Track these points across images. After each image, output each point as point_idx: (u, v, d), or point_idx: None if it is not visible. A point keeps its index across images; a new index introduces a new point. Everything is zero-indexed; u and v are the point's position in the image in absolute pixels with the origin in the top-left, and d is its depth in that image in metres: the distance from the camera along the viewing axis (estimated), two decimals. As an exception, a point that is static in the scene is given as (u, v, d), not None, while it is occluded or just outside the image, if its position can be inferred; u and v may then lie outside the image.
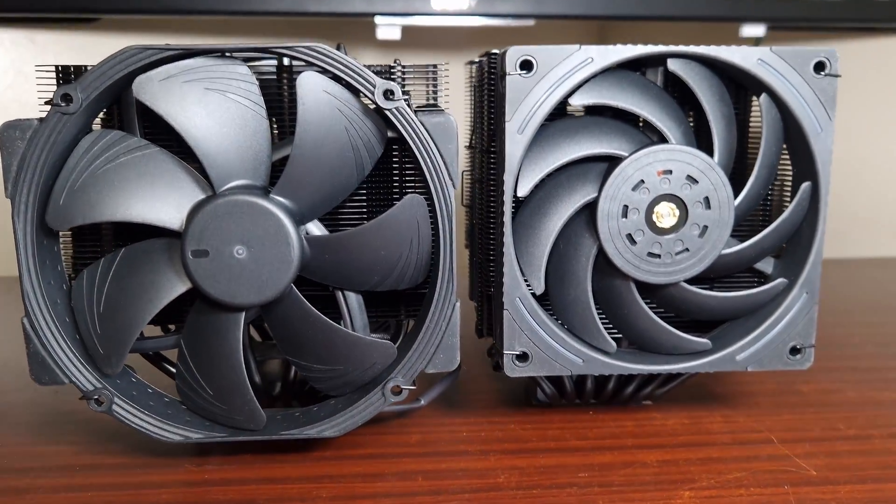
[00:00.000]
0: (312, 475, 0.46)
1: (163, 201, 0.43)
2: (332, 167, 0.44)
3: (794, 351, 0.48)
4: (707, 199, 0.45)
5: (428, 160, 0.43)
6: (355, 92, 0.43)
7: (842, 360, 0.65)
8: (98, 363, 0.45)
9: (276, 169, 0.45)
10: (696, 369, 0.48)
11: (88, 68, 0.42)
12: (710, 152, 0.45)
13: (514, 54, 0.43)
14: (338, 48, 0.44)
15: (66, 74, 0.44)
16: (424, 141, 0.43)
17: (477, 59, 0.52)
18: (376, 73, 0.45)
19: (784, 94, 0.45)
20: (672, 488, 0.44)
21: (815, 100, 0.45)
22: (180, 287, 0.44)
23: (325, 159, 0.44)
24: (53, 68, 0.44)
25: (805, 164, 0.46)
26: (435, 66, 0.47)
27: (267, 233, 0.43)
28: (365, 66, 0.45)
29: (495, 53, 0.46)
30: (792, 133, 0.46)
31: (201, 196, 0.43)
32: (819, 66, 0.44)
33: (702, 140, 0.47)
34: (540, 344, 0.46)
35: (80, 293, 0.45)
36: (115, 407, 0.45)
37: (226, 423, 0.46)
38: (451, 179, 0.43)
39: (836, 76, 0.44)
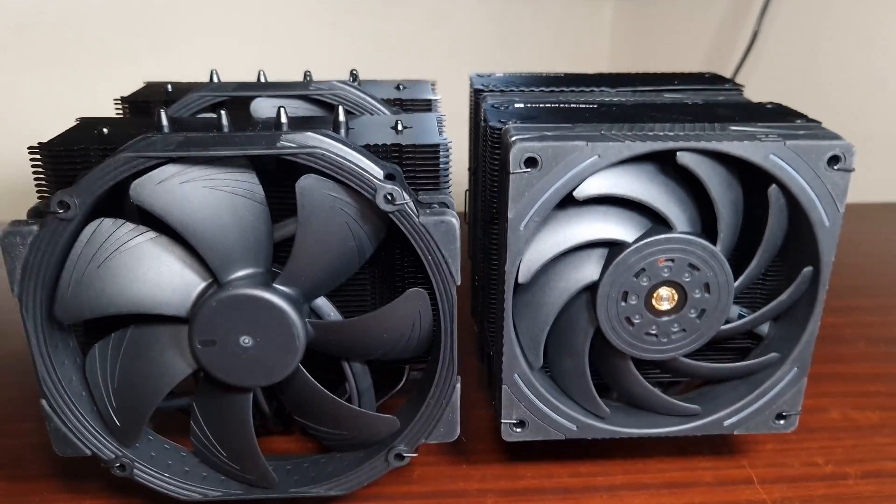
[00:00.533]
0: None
1: (170, 291, 0.44)
2: (335, 255, 0.44)
3: (780, 417, 0.50)
4: (707, 285, 0.46)
5: (430, 258, 0.43)
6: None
7: (831, 363, 0.67)
8: (117, 436, 0.47)
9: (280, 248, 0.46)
10: (685, 433, 0.50)
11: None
12: (713, 235, 0.45)
13: (519, 153, 0.42)
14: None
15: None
16: (426, 241, 0.43)
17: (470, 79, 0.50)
18: (377, 151, 0.44)
19: (794, 188, 0.44)
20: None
21: (826, 193, 0.44)
22: (189, 369, 0.46)
23: (327, 250, 0.44)
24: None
25: (808, 250, 0.46)
26: (436, 146, 0.45)
27: (272, 323, 0.44)
28: (367, 145, 0.44)
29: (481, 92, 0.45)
30: (798, 220, 0.45)
31: (206, 283, 0.44)
32: (833, 160, 0.43)
33: (706, 219, 0.46)
34: (536, 413, 0.49)
35: (94, 369, 0.46)
36: (135, 472, 0.48)
37: (240, 480, 0.49)
38: (453, 276, 0.44)
39: (850, 171, 0.43)
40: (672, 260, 0.45)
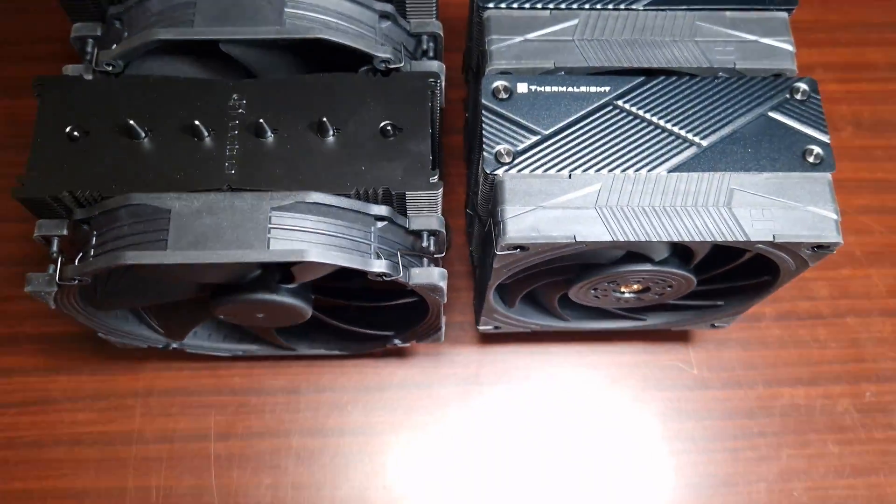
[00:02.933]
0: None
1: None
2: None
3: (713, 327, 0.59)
4: (671, 286, 0.50)
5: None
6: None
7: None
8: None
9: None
10: (634, 328, 0.60)
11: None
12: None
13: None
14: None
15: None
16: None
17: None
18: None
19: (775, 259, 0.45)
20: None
21: (803, 262, 0.45)
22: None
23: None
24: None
25: (771, 267, 0.49)
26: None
27: (282, 314, 0.50)
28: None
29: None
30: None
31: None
32: (819, 246, 0.44)
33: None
34: (508, 322, 0.58)
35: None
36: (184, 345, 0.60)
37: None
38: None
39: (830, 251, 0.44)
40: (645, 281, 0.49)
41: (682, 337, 0.65)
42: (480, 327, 0.59)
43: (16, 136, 0.69)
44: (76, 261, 0.44)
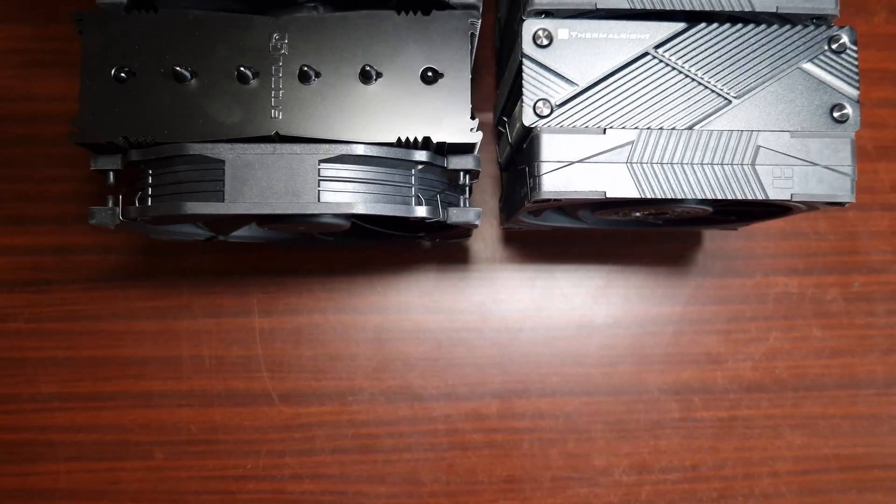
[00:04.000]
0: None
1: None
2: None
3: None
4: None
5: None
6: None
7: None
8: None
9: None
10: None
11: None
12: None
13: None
14: None
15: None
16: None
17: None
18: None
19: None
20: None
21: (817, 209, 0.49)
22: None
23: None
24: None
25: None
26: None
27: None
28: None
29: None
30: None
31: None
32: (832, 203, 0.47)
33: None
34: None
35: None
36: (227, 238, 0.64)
37: (303, 231, 0.65)
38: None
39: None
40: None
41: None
42: (504, 226, 0.63)
43: None
44: (136, 200, 0.47)
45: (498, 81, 0.63)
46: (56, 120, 0.67)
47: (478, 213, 0.49)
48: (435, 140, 0.46)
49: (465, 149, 0.48)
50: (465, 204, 0.49)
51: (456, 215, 0.48)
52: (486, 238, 0.68)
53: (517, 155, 0.53)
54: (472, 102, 0.46)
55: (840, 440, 0.68)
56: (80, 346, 0.67)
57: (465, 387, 0.67)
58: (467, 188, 0.49)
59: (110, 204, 0.48)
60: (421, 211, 0.47)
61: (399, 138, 0.46)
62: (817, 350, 0.69)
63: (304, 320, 0.68)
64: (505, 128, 0.54)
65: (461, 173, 0.49)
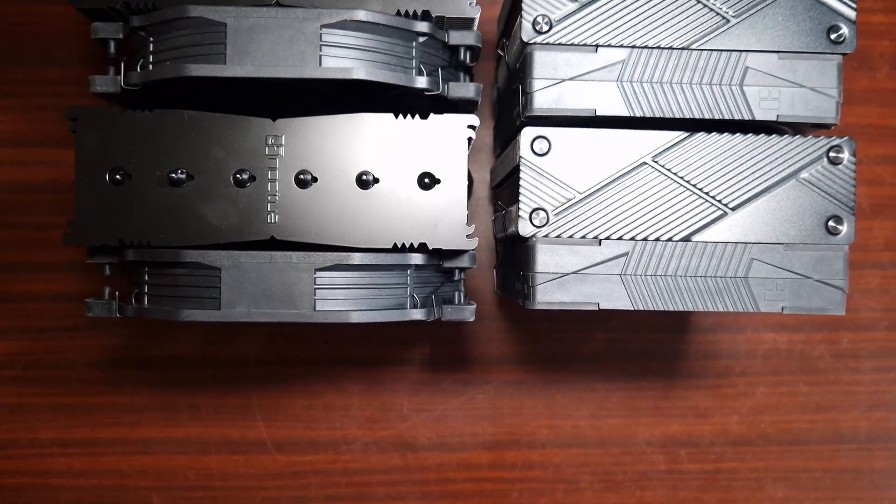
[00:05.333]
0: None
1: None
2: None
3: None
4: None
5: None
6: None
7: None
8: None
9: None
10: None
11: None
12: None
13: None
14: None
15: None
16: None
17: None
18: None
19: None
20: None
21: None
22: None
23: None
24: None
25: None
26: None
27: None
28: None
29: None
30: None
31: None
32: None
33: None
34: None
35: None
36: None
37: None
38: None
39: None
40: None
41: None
42: (497, 292, 0.64)
43: (27, 54, 0.67)
44: (133, 298, 0.47)
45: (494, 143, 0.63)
46: (50, 165, 0.67)
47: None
48: (431, 246, 0.46)
49: (460, 253, 0.48)
50: (460, 300, 0.50)
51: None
52: (482, 295, 0.69)
53: (513, 253, 0.53)
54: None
55: (821, 493, 0.70)
56: (78, 392, 0.68)
57: (456, 437, 0.69)
58: (462, 282, 0.50)
59: (107, 296, 0.48)
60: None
61: (395, 244, 0.46)
62: (803, 405, 0.70)
63: (300, 370, 0.68)
64: (501, 230, 0.54)
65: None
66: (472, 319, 0.49)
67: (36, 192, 0.67)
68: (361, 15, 0.44)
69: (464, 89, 0.48)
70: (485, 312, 0.68)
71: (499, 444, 0.69)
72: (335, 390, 0.68)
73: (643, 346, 0.69)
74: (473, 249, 0.47)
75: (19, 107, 0.67)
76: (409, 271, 0.47)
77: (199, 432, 0.68)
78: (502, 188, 0.56)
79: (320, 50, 0.44)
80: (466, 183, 0.46)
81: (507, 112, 0.55)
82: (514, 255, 0.53)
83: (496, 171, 0.58)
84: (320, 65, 0.44)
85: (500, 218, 0.55)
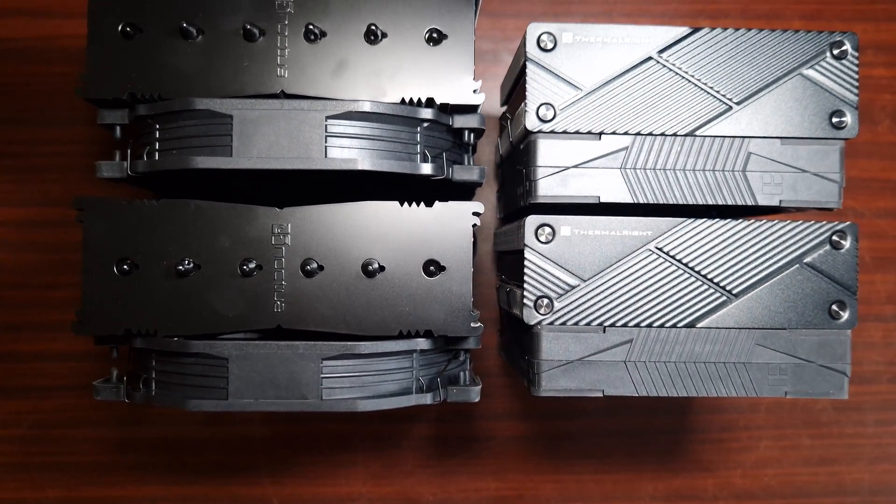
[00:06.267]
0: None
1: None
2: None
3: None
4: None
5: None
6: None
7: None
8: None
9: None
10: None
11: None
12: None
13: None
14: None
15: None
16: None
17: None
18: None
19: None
20: None
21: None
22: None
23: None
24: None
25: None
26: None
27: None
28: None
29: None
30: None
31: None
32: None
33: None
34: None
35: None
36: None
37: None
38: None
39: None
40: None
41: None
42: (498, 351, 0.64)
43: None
44: (140, 384, 0.47)
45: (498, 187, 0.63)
46: (53, 225, 0.67)
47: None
48: (437, 333, 0.46)
49: (464, 340, 0.48)
50: (465, 381, 0.50)
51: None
52: (485, 350, 0.69)
53: (516, 328, 0.54)
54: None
55: (824, 545, 0.71)
56: (84, 451, 0.68)
57: (461, 493, 0.69)
58: (468, 360, 0.50)
59: (115, 379, 0.48)
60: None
61: (401, 331, 0.46)
62: (806, 458, 0.70)
63: (305, 428, 0.69)
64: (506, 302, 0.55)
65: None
66: (477, 400, 0.49)
67: (41, 251, 0.67)
68: (367, 106, 0.44)
69: (468, 172, 0.48)
70: (488, 369, 0.69)
71: (504, 499, 0.69)
72: (340, 446, 0.69)
73: (646, 401, 0.70)
74: (478, 337, 0.47)
75: (24, 167, 0.67)
76: (414, 355, 0.48)
77: (206, 490, 0.68)
78: (505, 260, 0.56)
79: (326, 141, 0.44)
80: (471, 270, 0.46)
81: (510, 181, 0.55)
82: (517, 331, 0.53)
83: (499, 238, 0.59)
84: (326, 155, 0.44)
85: (503, 291, 0.55)
